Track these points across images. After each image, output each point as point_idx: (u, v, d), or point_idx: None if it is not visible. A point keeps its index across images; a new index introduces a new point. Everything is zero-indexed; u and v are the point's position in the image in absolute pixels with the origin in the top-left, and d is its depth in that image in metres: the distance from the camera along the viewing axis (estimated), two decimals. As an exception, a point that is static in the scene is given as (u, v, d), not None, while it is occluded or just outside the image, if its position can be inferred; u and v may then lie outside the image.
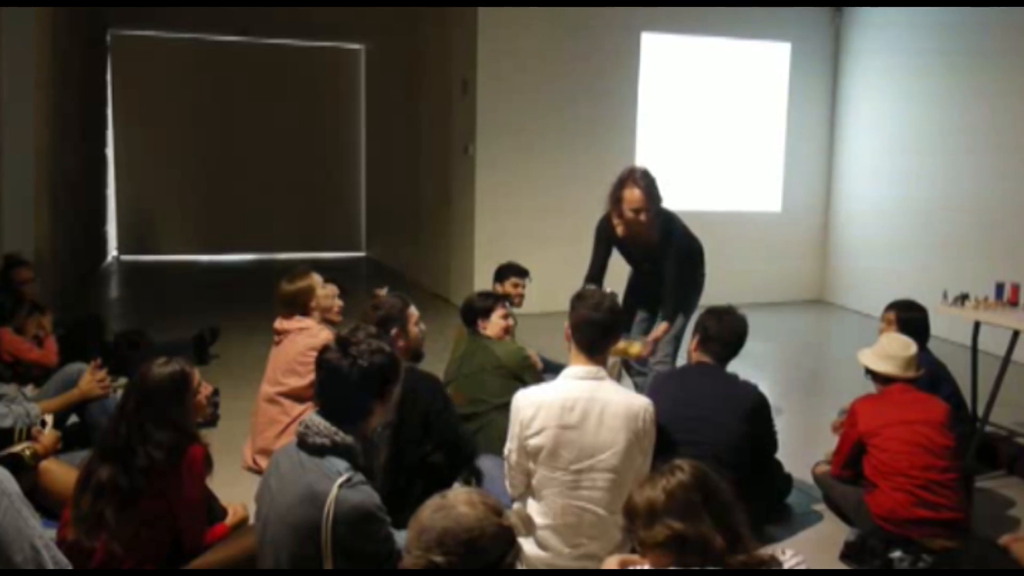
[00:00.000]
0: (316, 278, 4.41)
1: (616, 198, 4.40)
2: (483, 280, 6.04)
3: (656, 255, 4.61)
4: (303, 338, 4.18)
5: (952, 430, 3.58)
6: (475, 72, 8.47)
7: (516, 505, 3.15)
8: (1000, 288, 4.81)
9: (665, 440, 3.22)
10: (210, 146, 12.58)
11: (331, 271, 4.84)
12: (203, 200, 12.75)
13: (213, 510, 3.11)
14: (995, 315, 4.59)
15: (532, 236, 8.55)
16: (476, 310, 4.42)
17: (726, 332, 3.73)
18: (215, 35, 12.24)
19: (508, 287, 5.43)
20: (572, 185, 8.81)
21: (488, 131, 8.53)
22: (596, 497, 3.00)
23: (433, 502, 1.81)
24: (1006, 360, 4.45)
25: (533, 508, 3.09)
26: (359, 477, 2.34)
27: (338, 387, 2.45)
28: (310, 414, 2.48)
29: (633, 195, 4.36)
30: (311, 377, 4.03)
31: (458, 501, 1.79)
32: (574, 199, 8.85)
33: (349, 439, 2.39)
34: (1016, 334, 4.43)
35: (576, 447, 2.97)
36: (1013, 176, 7.38)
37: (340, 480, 2.29)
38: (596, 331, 3.06)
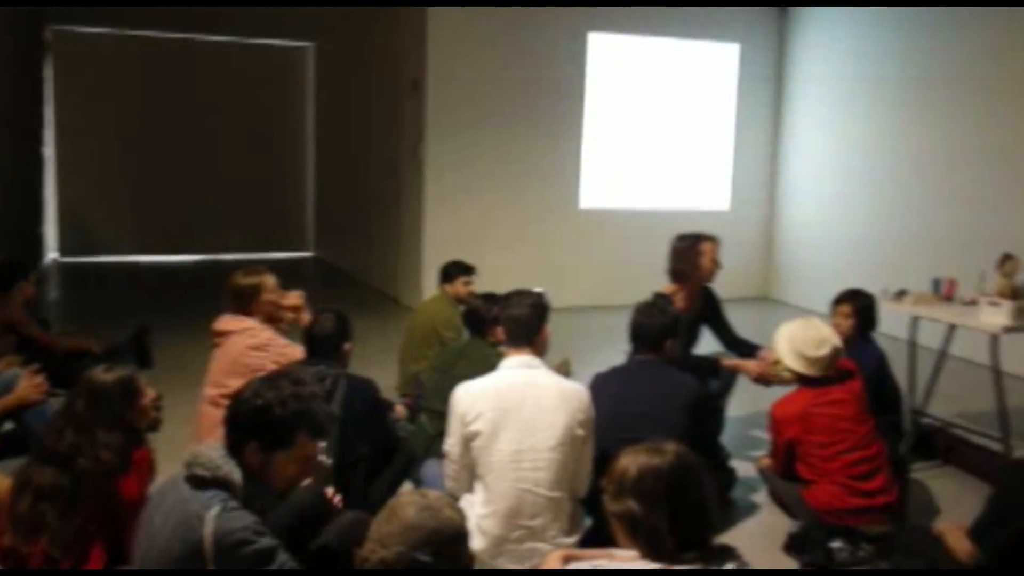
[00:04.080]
0: (269, 279, 4.30)
1: None
2: (432, 280, 6.03)
3: None
4: (244, 338, 4.11)
5: (869, 410, 3.69)
6: (424, 71, 8.45)
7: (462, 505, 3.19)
8: (937, 283, 4.93)
9: (604, 438, 3.27)
10: (155, 145, 12.33)
11: (279, 272, 4.77)
12: (148, 200, 12.50)
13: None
14: (932, 310, 4.71)
15: (481, 235, 8.57)
16: (484, 319, 4.35)
17: (647, 326, 3.77)
18: (160, 32, 12.01)
19: (459, 287, 5.42)
20: (520, 184, 8.86)
21: (437, 130, 8.52)
22: (539, 478, 3.08)
23: (414, 501, 1.83)
24: (942, 353, 4.57)
25: (476, 499, 3.16)
26: (233, 504, 2.23)
27: (233, 420, 2.38)
28: (203, 445, 2.39)
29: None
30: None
31: (442, 504, 1.83)
32: (522, 198, 8.91)
33: (233, 475, 2.29)
34: (952, 328, 4.55)
35: (514, 428, 3.09)
36: (950, 175, 7.58)
37: (213, 512, 2.19)
38: (520, 325, 3.27)
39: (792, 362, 3.73)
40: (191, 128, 12.43)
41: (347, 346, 3.72)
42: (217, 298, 4.53)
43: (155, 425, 3.20)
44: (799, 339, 3.72)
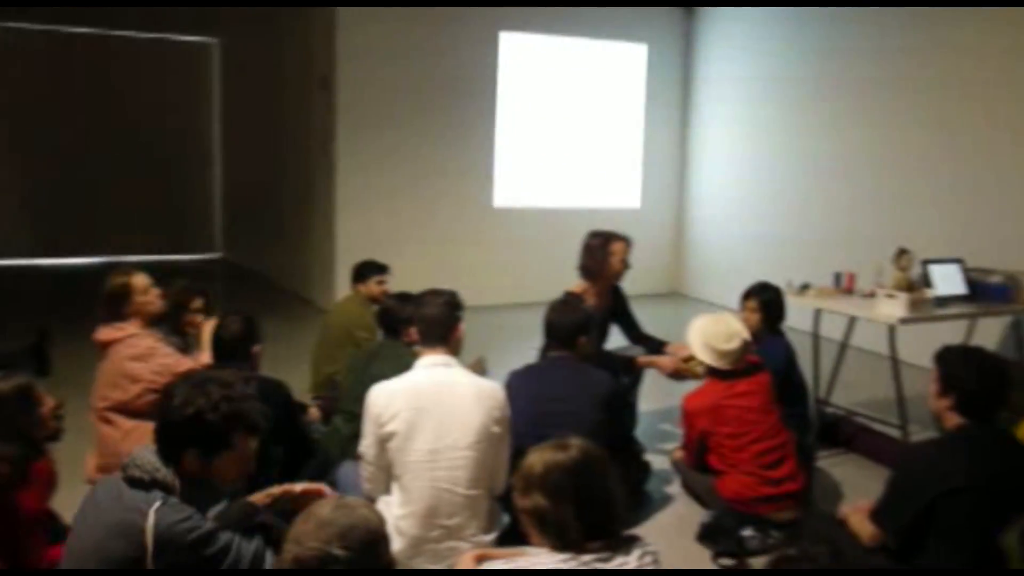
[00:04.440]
0: (139, 279, 4.11)
1: None
2: (344, 280, 5.94)
3: None
4: (123, 348, 3.96)
5: (775, 400, 3.81)
6: (334, 70, 8.34)
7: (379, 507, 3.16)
8: (838, 277, 5.11)
9: (521, 435, 3.28)
10: (53, 144, 11.83)
11: (186, 274, 4.64)
12: (45, 201, 11.97)
13: (56, 529, 2.95)
14: (833, 302, 4.87)
15: (395, 235, 8.51)
16: (398, 319, 4.27)
17: (560, 323, 3.81)
18: (58, 25, 11.53)
19: (372, 286, 5.35)
20: (434, 183, 8.83)
21: (348, 129, 8.41)
22: (455, 477, 3.08)
23: (331, 501, 1.85)
24: (844, 344, 4.73)
25: (393, 500, 3.15)
26: (173, 500, 2.25)
27: (166, 431, 2.35)
28: (139, 447, 2.37)
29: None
30: (136, 389, 3.89)
31: (358, 504, 1.84)
32: (436, 197, 8.88)
33: (170, 477, 2.28)
34: (852, 320, 4.72)
35: (431, 428, 3.07)
36: (848, 173, 7.87)
37: (154, 507, 2.20)
38: (433, 325, 3.26)
39: (704, 355, 3.82)
40: (92, 126, 11.99)
41: (256, 348, 3.64)
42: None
43: (55, 435, 3.07)
44: (710, 333, 3.82)
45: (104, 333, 4.03)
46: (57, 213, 12.00)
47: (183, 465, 2.31)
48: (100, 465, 4.06)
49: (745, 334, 3.87)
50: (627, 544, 2.09)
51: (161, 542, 2.17)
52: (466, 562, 2.46)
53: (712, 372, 3.85)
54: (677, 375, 4.47)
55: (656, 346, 4.76)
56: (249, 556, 2.32)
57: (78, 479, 4.07)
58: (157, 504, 2.20)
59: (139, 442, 3.81)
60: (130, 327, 4.02)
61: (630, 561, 2.06)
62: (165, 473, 2.28)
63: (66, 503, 3.12)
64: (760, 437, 3.69)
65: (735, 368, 3.80)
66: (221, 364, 3.54)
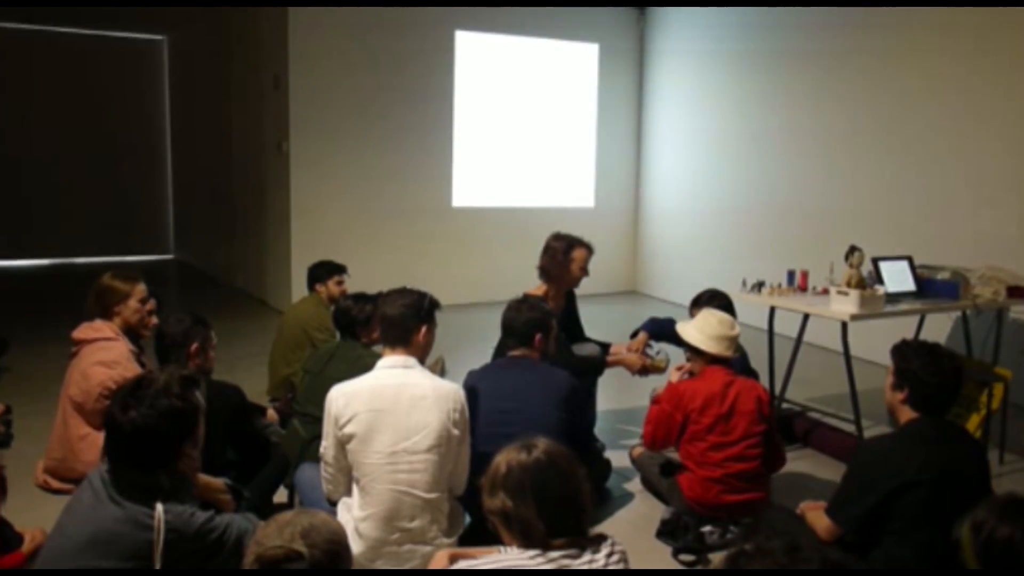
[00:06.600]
0: (140, 288, 4.10)
1: None
2: (300, 281, 5.88)
3: None
4: (94, 351, 3.89)
5: (767, 417, 3.76)
6: (287, 69, 8.24)
7: (340, 508, 3.14)
8: (791, 275, 5.18)
9: (481, 435, 3.27)
10: (3, 143, 11.54)
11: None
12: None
13: (7, 537, 2.88)
14: (787, 300, 4.94)
15: (350, 234, 8.45)
16: (355, 320, 4.24)
17: (519, 320, 3.82)
18: (2, 23, 11.24)
19: (332, 286, 5.32)
20: (389, 182, 8.79)
21: (302, 128, 8.33)
22: (415, 480, 3.04)
23: (292, 511, 1.86)
24: (798, 341, 4.79)
25: (353, 502, 3.12)
26: (170, 503, 2.32)
27: (134, 446, 2.34)
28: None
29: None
30: (95, 392, 3.83)
31: (318, 512, 1.86)
32: (391, 196, 8.83)
33: (159, 480, 2.34)
34: (806, 317, 4.78)
35: (390, 430, 3.03)
36: (802, 173, 7.99)
37: (159, 504, 2.29)
38: (391, 325, 3.23)
39: (708, 345, 3.76)
40: (37, 125, 11.71)
41: (193, 347, 3.56)
42: (70, 302, 4.29)
43: (5, 441, 3.00)
44: (711, 323, 3.81)
45: (83, 331, 3.99)
46: (5, 214, 11.71)
47: (181, 462, 2.41)
48: (47, 466, 3.99)
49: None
50: (595, 542, 2.12)
51: (172, 532, 2.27)
52: (439, 561, 2.47)
53: (714, 361, 3.82)
54: (644, 371, 4.53)
55: (601, 348, 4.78)
56: (246, 525, 2.49)
57: (31, 486, 3.98)
58: (160, 512, 2.29)
59: (88, 452, 3.76)
60: (107, 329, 3.97)
61: (599, 558, 2.09)
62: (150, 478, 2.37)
63: (21, 511, 3.05)
64: (736, 440, 3.66)
65: (733, 356, 3.82)
66: (162, 364, 3.49)
